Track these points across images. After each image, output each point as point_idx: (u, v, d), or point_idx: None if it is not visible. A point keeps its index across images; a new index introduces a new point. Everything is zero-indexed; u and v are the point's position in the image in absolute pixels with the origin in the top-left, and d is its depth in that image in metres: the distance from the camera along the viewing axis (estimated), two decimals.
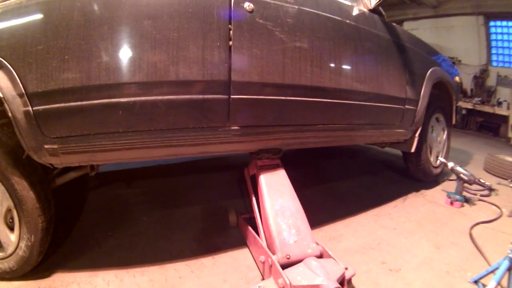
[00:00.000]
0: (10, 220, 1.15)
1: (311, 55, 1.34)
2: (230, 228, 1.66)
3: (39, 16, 0.94)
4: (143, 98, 1.03)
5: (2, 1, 0.96)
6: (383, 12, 1.82)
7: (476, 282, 1.30)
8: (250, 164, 1.55)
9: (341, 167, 3.04)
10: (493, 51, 6.20)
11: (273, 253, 1.19)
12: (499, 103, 5.87)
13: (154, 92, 1.04)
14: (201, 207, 1.90)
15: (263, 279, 1.24)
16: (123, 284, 1.21)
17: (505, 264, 1.18)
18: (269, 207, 1.30)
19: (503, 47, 6.06)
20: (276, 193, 1.36)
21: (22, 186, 1.07)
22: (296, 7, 1.30)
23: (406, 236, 1.72)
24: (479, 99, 6.19)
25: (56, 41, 0.94)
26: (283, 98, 1.30)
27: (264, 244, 1.28)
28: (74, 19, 0.95)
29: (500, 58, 6.14)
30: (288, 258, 1.16)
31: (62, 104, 0.96)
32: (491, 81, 6.23)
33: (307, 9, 1.34)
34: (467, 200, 2.22)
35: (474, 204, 2.21)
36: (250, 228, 1.47)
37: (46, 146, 1.00)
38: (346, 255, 1.49)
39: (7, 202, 1.11)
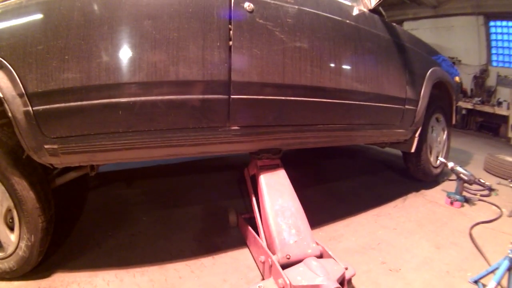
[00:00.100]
0: (10, 220, 1.15)
1: (311, 55, 1.34)
2: (230, 228, 1.66)
3: (39, 16, 0.94)
4: (143, 98, 1.03)
5: (2, 1, 0.96)
6: (383, 12, 1.82)
7: (476, 282, 1.30)
8: (250, 164, 1.55)
9: (341, 167, 3.04)
10: (493, 51, 6.20)
11: (273, 253, 1.19)
12: (499, 103, 5.87)
13: (154, 92, 1.04)
14: (201, 207, 1.90)
15: (263, 279, 1.24)
16: (123, 284, 1.21)
17: (505, 264, 1.18)
18: (269, 207, 1.30)
19: (503, 47, 6.06)
20: (276, 193, 1.36)
21: (22, 186, 1.07)
22: (296, 7, 1.30)
23: (406, 236, 1.72)
24: (479, 99, 6.19)
25: (56, 41, 0.94)
26: (283, 98, 1.30)
27: (264, 244, 1.28)
28: (74, 19, 0.95)
29: (500, 58, 6.14)
30: (288, 258, 1.16)
31: (62, 104, 0.96)
32: (491, 81, 6.23)
33: (307, 9, 1.34)
34: (467, 200, 2.22)
35: (474, 204, 2.21)
36: (250, 228, 1.47)
37: (46, 146, 1.00)
38: (346, 255, 1.49)
39: (7, 202, 1.11)
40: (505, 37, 5.98)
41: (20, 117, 0.95)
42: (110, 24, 0.98)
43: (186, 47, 1.06)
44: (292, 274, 1.06)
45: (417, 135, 2.18)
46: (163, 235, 1.56)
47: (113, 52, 0.99)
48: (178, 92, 1.08)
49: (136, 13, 1.00)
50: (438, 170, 2.62)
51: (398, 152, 2.74)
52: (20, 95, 0.94)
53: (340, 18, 1.48)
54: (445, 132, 2.66)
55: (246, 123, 1.26)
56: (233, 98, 1.17)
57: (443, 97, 2.53)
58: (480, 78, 6.28)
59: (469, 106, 6.18)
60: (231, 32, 1.13)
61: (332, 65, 1.44)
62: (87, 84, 0.97)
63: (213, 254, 1.43)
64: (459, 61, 6.43)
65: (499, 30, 6.05)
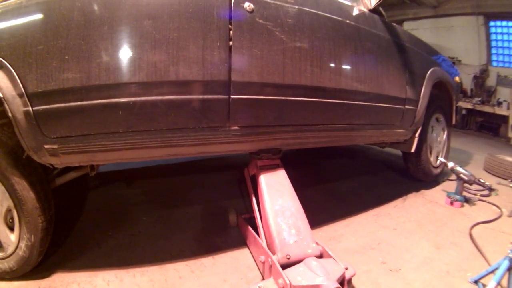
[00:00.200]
0: (10, 220, 1.15)
1: (311, 55, 1.34)
2: (230, 228, 1.66)
3: (39, 16, 0.94)
4: (143, 98, 1.03)
5: (2, 1, 0.96)
6: (383, 12, 1.82)
7: (476, 282, 1.30)
8: (250, 164, 1.54)
9: (341, 167, 3.04)
10: (493, 51, 6.20)
11: (273, 253, 1.19)
12: (499, 103, 5.87)
13: (154, 92, 1.04)
14: (201, 207, 1.90)
15: (263, 279, 1.24)
16: (123, 284, 1.21)
17: (505, 264, 1.18)
18: (269, 207, 1.30)
19: (503, 47, 6.06)
20: (276, 193, 1.36)
21: (22, 186, 1.07)
22: (296, 7, 1.30)
23: (406, 236, 1.72)
24: (479, 99, 6.19)
25: (56, 41, 0.94)
26: (283, 98, 1.30)
27: (264, 244, 1.28)
28: (74, 19, 0.95)
29: (500, 58, 6.14)
30: (288, 258, 1.16)
31: (62, 104, 0.96)
32: (491, 81, 6.23)
33: (307, 9, 1.34)
34: (467, 200, 2.22)
35: (474, 204, 2.21)
36: (250, 228, 1.47)
37: (46, 146, 1.00)
38: (346, 255, 1.49)
39: (7, 202, 1.11)
40: (505, 37, 5.98)
41: (20, 117, 0.95)
42: (110, 24, 0.98)
43: (186, 47, 1.06)
44: (292, 274, 1.06)
45: (417, 135, 2.18)
46: (163, 235, 1.56)
47: (113, 52, 0.99)
48: (178, 92, 1.08)
49: (136, 13, 1.00)
50: (438, 170, 2.62)
51: (398, 152, 2.74)
52: (20, 95, 0.94)
53: (340, 18, 1.48)
54: (445, 132, 2.66)
55: (246, 123, 1.26)
56: (233, 98, 1.17)
57: (443, 97, 2.54)
58: (480, 78, 6.28)
59: (469, 106, 6.18)
60: (231, 32, 1.13)
61: (332, 65, 1.44)
62: (87, 84, 0.97)
63: (213, 254, 1.43)
64: (459, 61, 6.43)
65: (499, 30, 6.05)
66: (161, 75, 1.04)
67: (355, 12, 1.60)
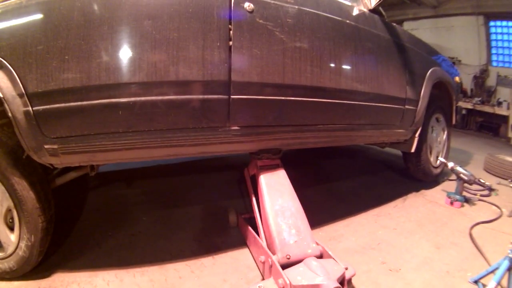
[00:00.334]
0: (10, 220, 1.15)
1: (311, 55, 1.34)
2: (230, 228, 1.66)
3: (39, 16, 0.94)
4: (143, 98, 1.03)
5: (2, 1, 0.96)
6: (383, 12, 1.82)
7: (476, 282, 1.30)
8: (250, 164, 1.55)
9: (341, 167, 3.04)
10: (493, 51, 6.20)
11: (273, 253, 1.19)
12: (499, 103, 5.88)
13: (154, 92, 1.04)
14: (201, 207, 1.90)
15: (263, 279, 1.24)
16: (123, 284, 1.21)
17: (505, 264, 1.18)
18: (269, 207, 1.30)
19: (503, 47, 6.06)
20: (276, 193, 1.36)
21: (22, 186, 1.07)
22: (296, 7, 1.30)
23: (406, 236, 1.72)
24: (479, 99, 6.19)
25: (56, 41, 0.94)
26: (283, 98, 1.30)
27: (264, 244, 1.28)
28: (74, 19, 0.95)
29: (500, 58, 6.14)
30: (288, 258, 1.16)
31: (62, 104, 0.96)
32: (491, 81, 6.24)
33: (307, 9, 1.34)
34: (467, 200, 2.22)
35: (474, 204, 2.21)
36: (250, 228, 1.47)
37: (46, 146, 1.00)
38: (346, 255, 1.49)
39: (7, 202, 1.11)
40: (505, 37, 5.98)
41: (20, 117, 0.95)
42: (110, 24, 0.98)
43: (186, 47, 1.06)
44: (292, 274, 1.06)
45: (417, 135, 2.18)
46: (163, 235, 1.56)
47: (113, 52, 0.99)
48: (178, 92, 1.08)
49: (136, 13, 1.00)
50: (438, 170, 2.62)
51: (398, 152, 2.74)
52: (20, 95, 0.94)
53: (340, 18, 1.48)
54: (445, 132, 2.66)
55: (246, 123, 1.26)
56: (233, 98, 1.17)
57: (443, 97, 2.53)
58: (480, 78, 6.29)
59: (469, 106, 6.18)
60: (231, 32, 1.13)
61: (332, 65, 1.44)
62: (87, 84, 0.97)
63: (213, 254, 1.43)
64: (459, 61, 6.43)
65: (499, 30, 6.05)
66: (161, 75, 1.04)
67: (355, 12, 1.60)
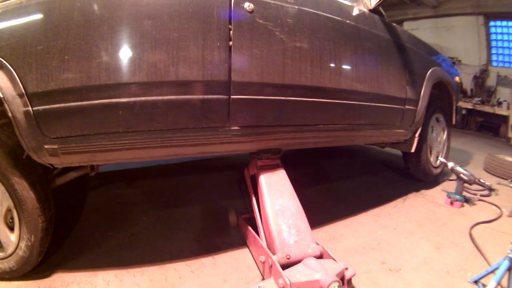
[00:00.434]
0: (10, 220, 1.15)
1: (311, 55, 1.34)
2: (230, 228, 1.66)
3: (39, 16, 0.94)
4: (143, 98, 1.03)
5: (2, 1, 0.96)
6: (383, 12, 1.82)
7: (476, 282, 1.30)
8: (250, 164, 1.55)
9: (341, 167, 3.04)
10: (493, 51, 6.20)
11: (273, 253, 1.19)
12: (499, 103, 5.87)
13: (154, 92, 1.04)
14: (201, 207, 1.90)
15: (263, 279, 1.24)
16: (123, 284, 1.21)
17: (505, 264, 1.18)
18: (269, 207, 1.30)
19: (503, 47, 6.06)
20: (276, 193, 1.36)
21: (22, 186, 1.07)
22: (296, 7, 1.30)
23: (406, 236, 1.72)
24: (479, 99, 6.19)
25: (56, 41, 0.93)
26: (283, 98, 1.30)
27: (264, 244, 1.28)
28: (74, 19, 0.95)
29: (500, 58, 6.14)
30: (288, 258, 1.16)
31: (62, 104, 0.96)
32: (491, 81, 6.24)
33: (307, 9, 1.34)
34: (467, 200, 2.21)
35: (474, 204, 2.21)
36: (250, 228, 1.47)
37: (46, 146, 1.00)
38: (346, 255, 1.49)
39: (7, 202, 1.11)
40: (505, 37, 5.98)
41: (20, 117, 0.95)
42: (110, 24, 0.98)
43: (186, 47, 1.06)
44: (292, 274, 1.06)
45: (417, 135, 2.18)
46: (163, 235, 1.56)
47: (113, 52, 0.99)
48: (178, 92, 1.08)
49: (136, 13, 1.00)
50: (438, 170, 2.62)
51: (398, 152, 2.74)
52: (20, 95, 0.94)
53: (340, 18, 1.48)
54: (445, 132, 2.66)
55: (246, 123, 1.26)
56: (233, 98, 1.17)
57: (443, 97, 2.53)
58: (480, 78, 6.28)
59: (469, 106, 6.18)
60: (231, 32, 1.13)
61: (332, 65, 1.44)
62: (87, 84, 0.97)
63: (213, 254, 1.43)
64: (459, 61, 6.43)
65: (499, 30, 6.05)
66: (161, 75, 1.04)
67: (355, 12, 1.60)
